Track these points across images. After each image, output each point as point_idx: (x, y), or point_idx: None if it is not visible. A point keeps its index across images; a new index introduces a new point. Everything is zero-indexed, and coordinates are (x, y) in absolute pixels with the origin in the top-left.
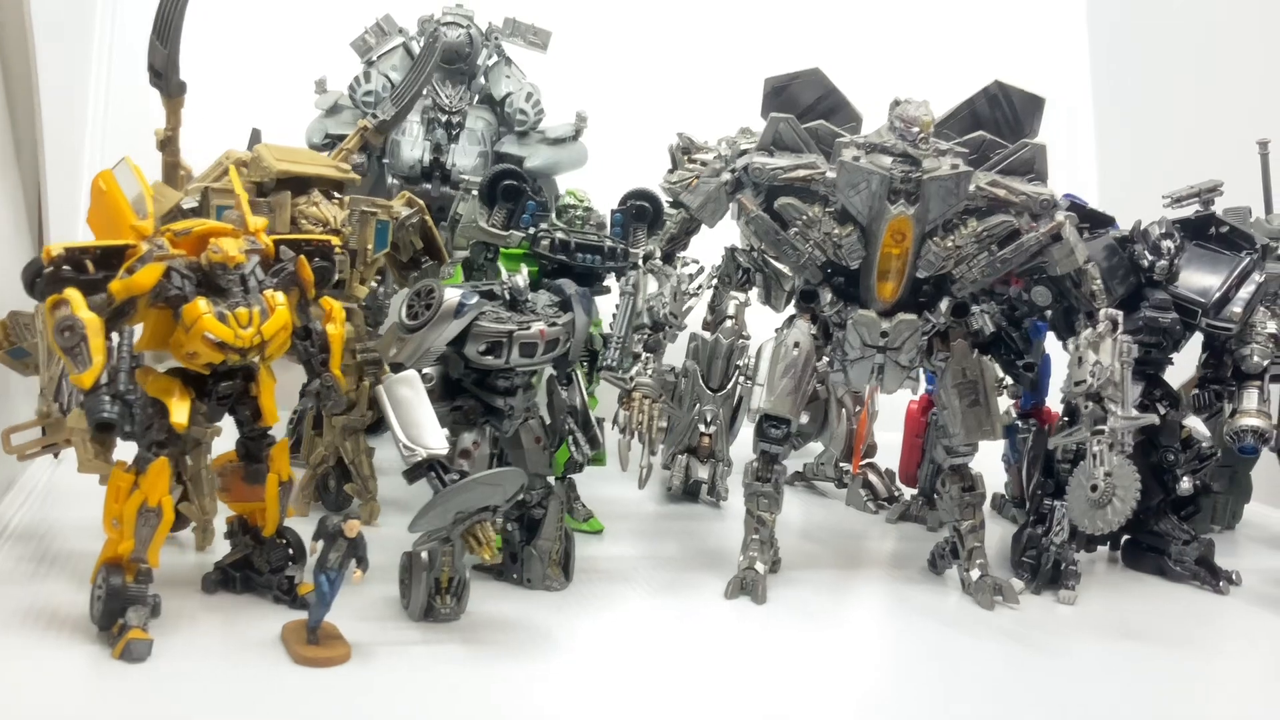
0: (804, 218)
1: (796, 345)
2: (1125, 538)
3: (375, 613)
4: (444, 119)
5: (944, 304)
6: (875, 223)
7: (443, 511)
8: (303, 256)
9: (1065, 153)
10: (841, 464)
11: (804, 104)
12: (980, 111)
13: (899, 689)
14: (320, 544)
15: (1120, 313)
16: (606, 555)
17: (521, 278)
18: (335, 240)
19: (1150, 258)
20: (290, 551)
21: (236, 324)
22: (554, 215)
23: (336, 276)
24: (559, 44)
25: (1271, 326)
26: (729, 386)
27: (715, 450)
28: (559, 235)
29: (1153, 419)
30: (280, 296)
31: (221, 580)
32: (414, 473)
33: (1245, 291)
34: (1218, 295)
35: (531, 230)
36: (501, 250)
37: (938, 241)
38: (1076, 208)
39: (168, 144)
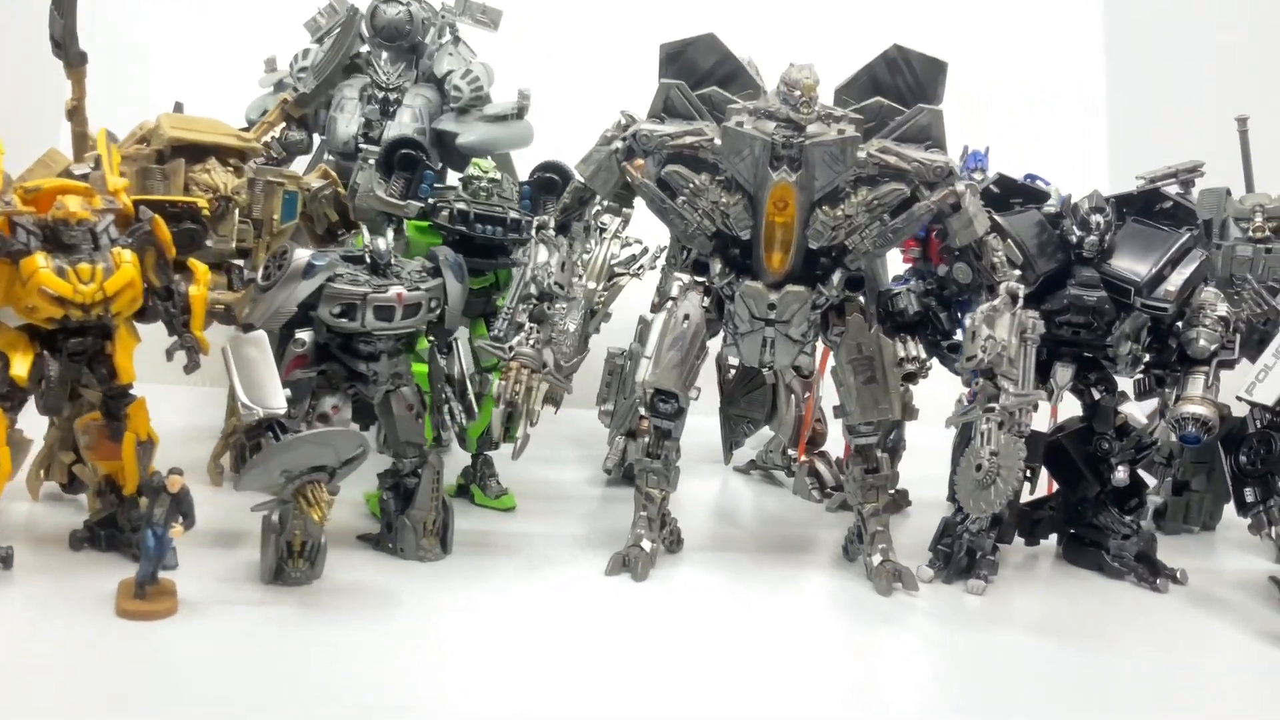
0: (690, 186)
1: (686, 318)
2: (1068, 531)
3: (240, 574)
4: (381, 95)
5: (836, 276)
6: (760, 190)
7: (266, 469)
8: (158, 217)
9: (1076, 134)
10: (789, 451)
11: (702, 70)
12: (880, 77)
13: (754, 674)
14: (145, 500)
15: (1021, 287)
16: (507, 531)
17: (384, 241)
18: (202, 202)
19: (1079, 233)
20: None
21: (77, 279)
22: (461, 187)
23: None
24: (531, 24)
25: (1222, 309)
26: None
27: None
28: (459, 206)
29: (1041, 395)
30: (128, 255)
31: (88, 538)
32: (253, 432)
33: (1184, 270)
34: (1152, 273)
35: (431, 201)
36: (411, 223)
37: (827, 211)
38: (1007, 181)
39: (74, 114)
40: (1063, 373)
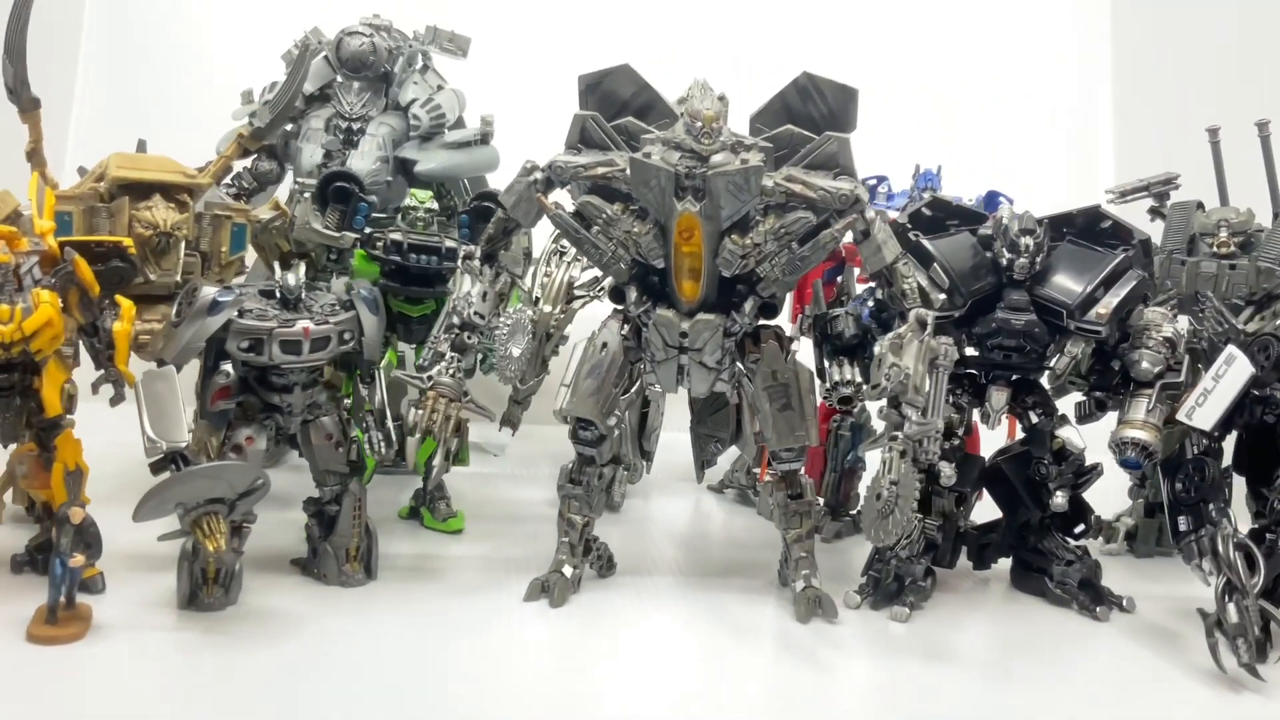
0: (604, 216)
1: (604, 346)
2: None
3: (160, 599)
4: (344, 125)
5: (748, 304)
6: (669, 220)
7: (161, 501)
8: (79, 257)
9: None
10: (754, 470)
11: (621, 99)
12: (792, 105)
13: (644, 704)
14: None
15: (929, 314)
16: (446, 554)
17: (294, 276)
18: (127, 241)
19: (1008, 255)
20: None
21: None
22: (400, 216)
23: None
24: (506, 48)
25: (1168, 330)
26: (631, 391)
27: (616, 455)
28: (394, 236)
29: (938, 424)
30: (47, 295)
31: (28, 561)
32: (158, 465)
33: (1118, 291)
34: (1084, 295)
35: (367, 231)
36: (359, 253)
37: (735, 239)
38: (941, 203)
39: (33, 155)
40: (997, 396)
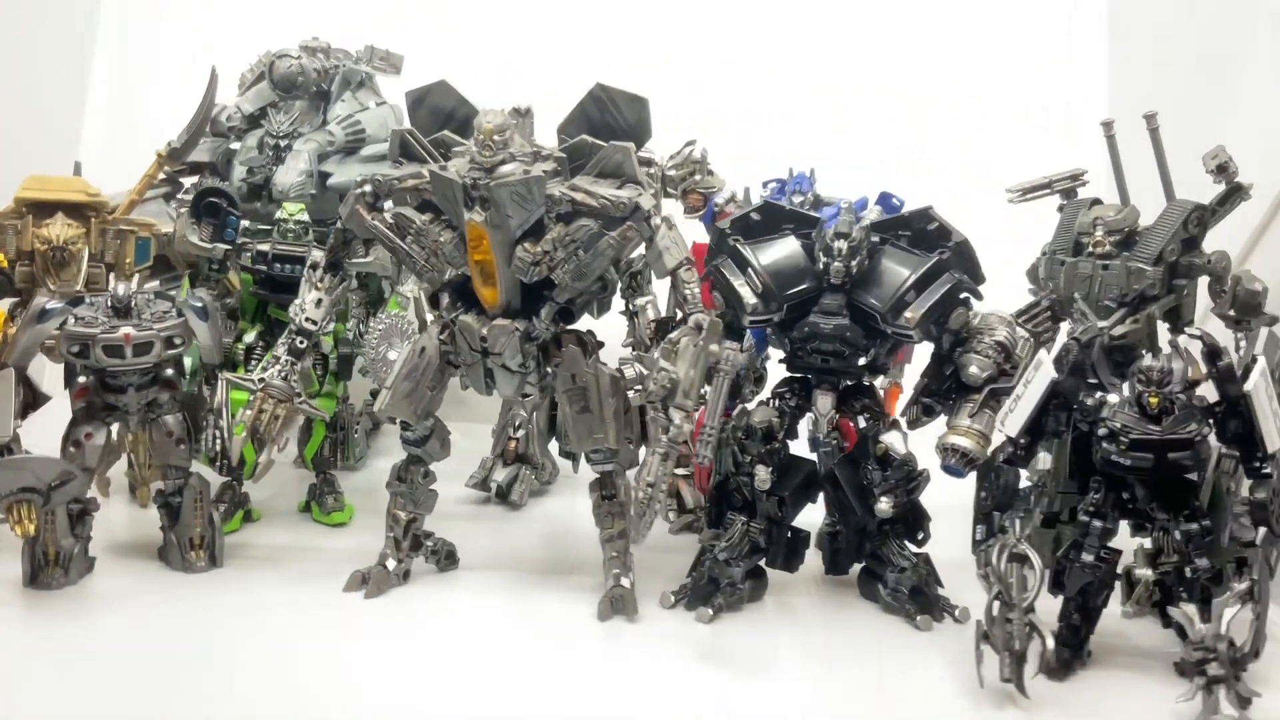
0: (414, 226)
1: (423, 350)
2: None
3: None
4: (272, 143)
5: (545, 310)
6: (463, 229)
7: None
8: None
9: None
10: None
11: (445, 112)
12: (591, 115)
13: (430, 694)
14: None
15: (706, 318)
16: (314, 546)
17: (124, 286)
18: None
19: (824, 259)
20: None
21: None
22: (274, 229)
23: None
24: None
25: (1002, 334)
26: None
27: (525, 454)
28: (260, 248)
29: (685, 431)
30: None
31: None
32: None
33: (931, 295)
34: (894, 299)
35: (239, 243)
36: None
37: (527, 248)
38: (772, 209)
39: None
40: (822, 401)
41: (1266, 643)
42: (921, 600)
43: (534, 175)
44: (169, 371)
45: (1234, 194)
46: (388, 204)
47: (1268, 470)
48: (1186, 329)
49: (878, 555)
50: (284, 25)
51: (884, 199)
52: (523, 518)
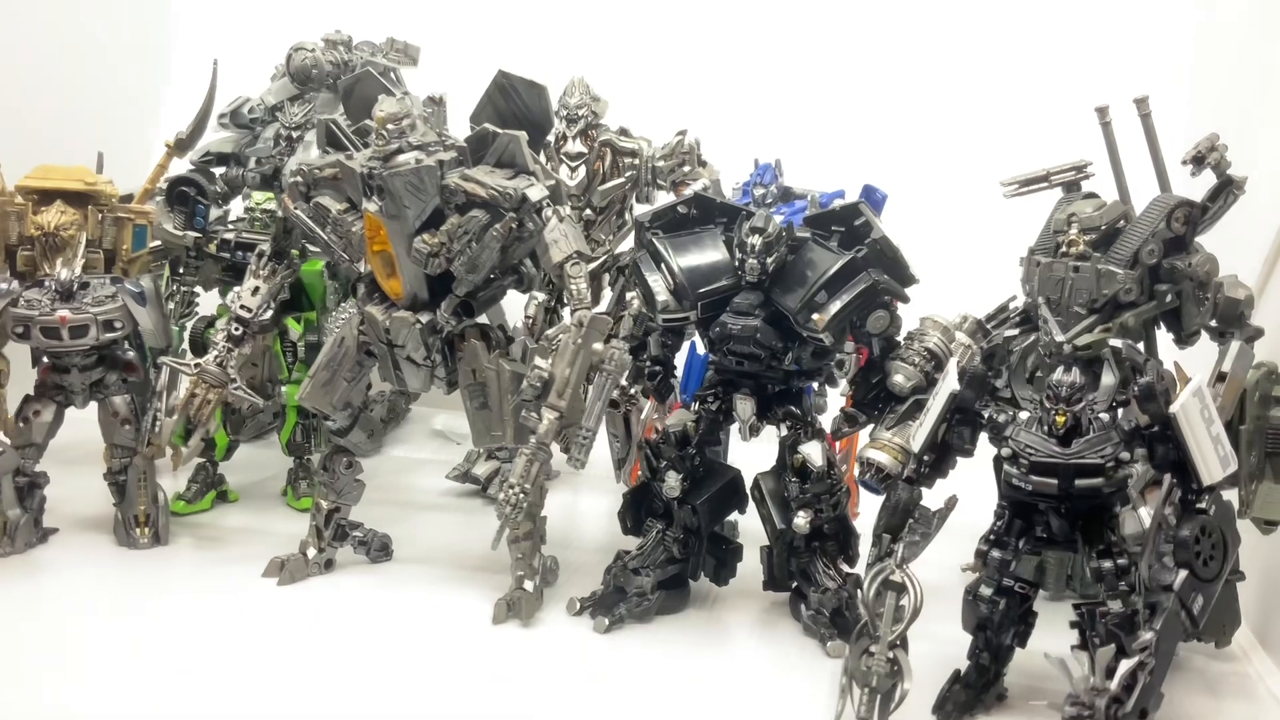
0: (330, 215)
1: (341, 341)
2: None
3: None
4: (285, 134)
5: (444, 303)
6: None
7: None
8: None
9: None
10: None
11: (372, 101)
12: (497, 103)
13: (318, 682)
14: None
15: (588, 313)
16: (272, 530)
17: (67, 270)
18: None
19: (739, 256)
20: None
21: None
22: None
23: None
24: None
25: (932, 340)
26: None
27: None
28: (225, 235)
29: (550, 433)
30: None
31: None
32: None
33: (843, 296)
34: (805, 300)
35: (206, 231)
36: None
37: (425, 238)
38: (704, 201)
39: None
40: (742, 405)
41: (1163, 703)
42: (842, 624)
43: (425, 164)
44: (130, 354)
45: (1225, 188)
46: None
47: (1202, 505)
48: (1123, 341)
49: (805, 573)
50: (340, 18)
51: (867, 192)
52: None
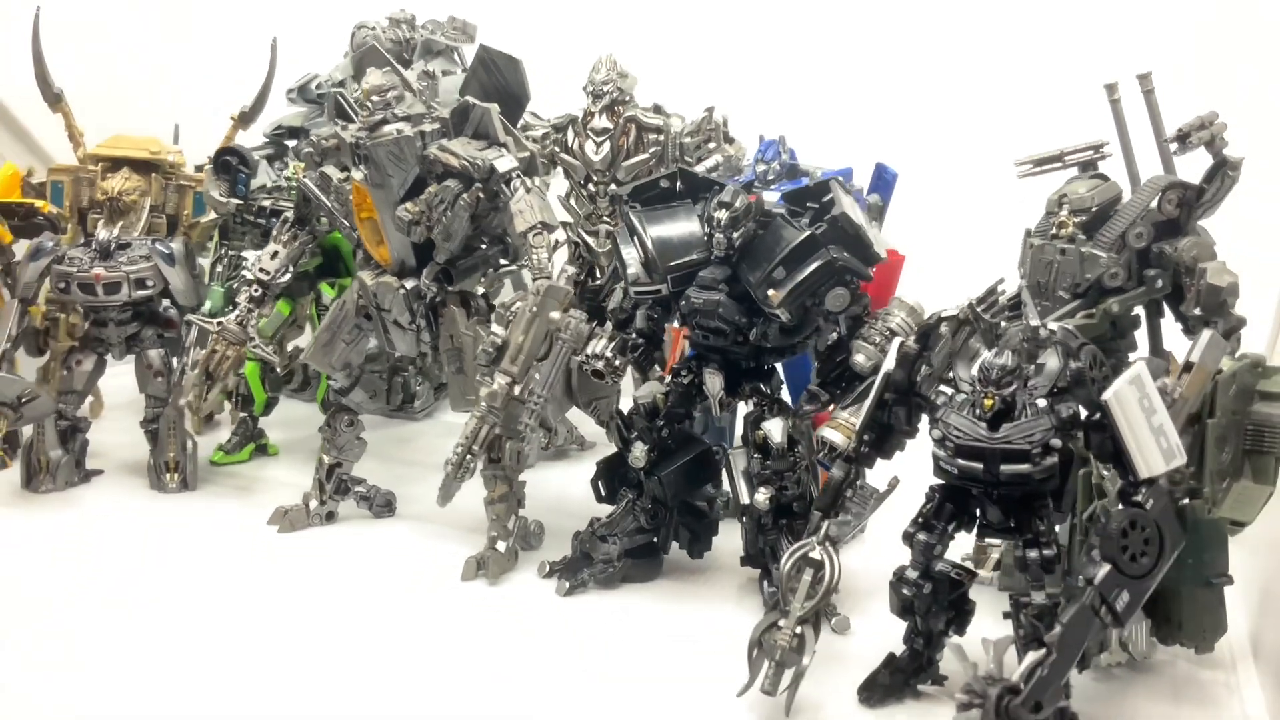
0: (333, 184)
1: (344, 304)
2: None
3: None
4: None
5: (425, 270)
6: None
7: None
8: None
9: None
10: None
11: None
12: (480, 77)
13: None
14: None
15: (546, 283)
16: (296, 484)
17: (105, 231)
18: (42, 204)
19: (706, 229)
20: None
21: None
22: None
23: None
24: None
25: (896, 319)
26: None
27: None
28: (263, 203)
29: (499, 396)
30: None
31: None
32: None
33: (799, 272)
34: (764, 276)
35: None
36: None
37: (407, 207)
38: (688, 176)
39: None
40: (711, 380)
41: (1060, 700)
42: None
43: (405, 135)
44: (171, 312)
45: (1219, 170)
46: None
47: (1139, 498)
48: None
49: (774, 550)
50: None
51: (879, 170)
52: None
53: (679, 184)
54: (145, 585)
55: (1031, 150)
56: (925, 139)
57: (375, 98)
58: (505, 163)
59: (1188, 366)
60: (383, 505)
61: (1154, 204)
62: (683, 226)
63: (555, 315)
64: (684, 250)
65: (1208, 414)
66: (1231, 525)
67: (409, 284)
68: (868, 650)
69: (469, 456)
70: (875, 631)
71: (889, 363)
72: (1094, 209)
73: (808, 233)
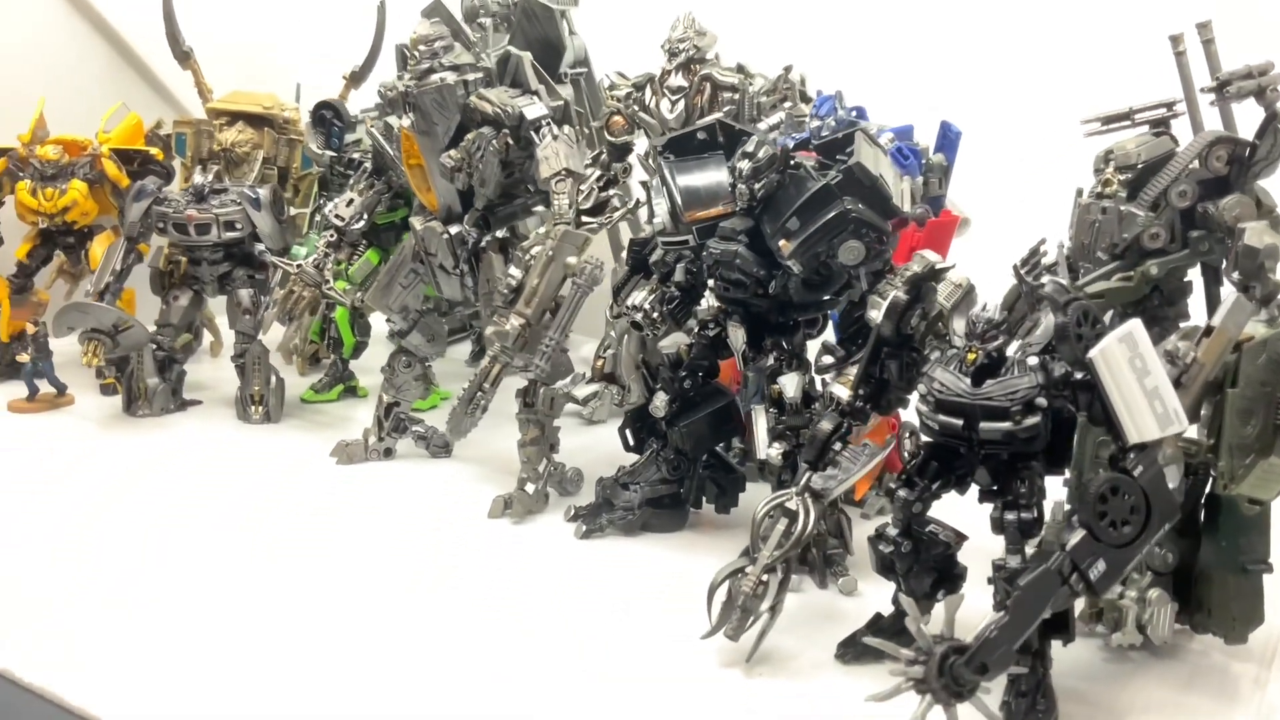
0: (394, 131)
1: (403, 249)
2: None
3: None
4: None
5: (468, 215)
6: None
7: (59, 323)
8: (104, 159)
9: None
10: None
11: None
12: (524, 27)
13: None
14: None
15: (564, 228)
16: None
17: (200, 176)
18: (156, 151)
19: (729, 180)
20: None
21: (43, 197)
22: None
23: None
24: None
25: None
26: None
27: (611, 374)
28: (353, 156)
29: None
30: (79, 184)
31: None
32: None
33: (811, 223)
34: (780, 226)
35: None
36: None
37: (450, 154)
38: (727, 128)
39: (201, 93)
40: (734, 333)
41: (1010, 664)
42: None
43: (447, 83)
44: (267, 255)
45: (1270, 124)
46: None
47: (1127, 464)
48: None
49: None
50: None
51: (944, 128)
52: (582, 431)
53: (719, 136)
54: (198, 502)
55: (1099, 108)
56: (989, 97)
57: (422, 47)
58: (535, 110)
59: (1208, 331)
60: (440, 446)
61: (1199, 161)
62: (711, 176)
63: (571, 260)
64: (710, 201)
65: (1230, 383)
66: (1249, 504)
67: (453, 229)
68: (868, 613)
69: (479, 394)
70: (884, 597)
71: (877, 317)
72: (1140, 165)
73: (822, 183)
